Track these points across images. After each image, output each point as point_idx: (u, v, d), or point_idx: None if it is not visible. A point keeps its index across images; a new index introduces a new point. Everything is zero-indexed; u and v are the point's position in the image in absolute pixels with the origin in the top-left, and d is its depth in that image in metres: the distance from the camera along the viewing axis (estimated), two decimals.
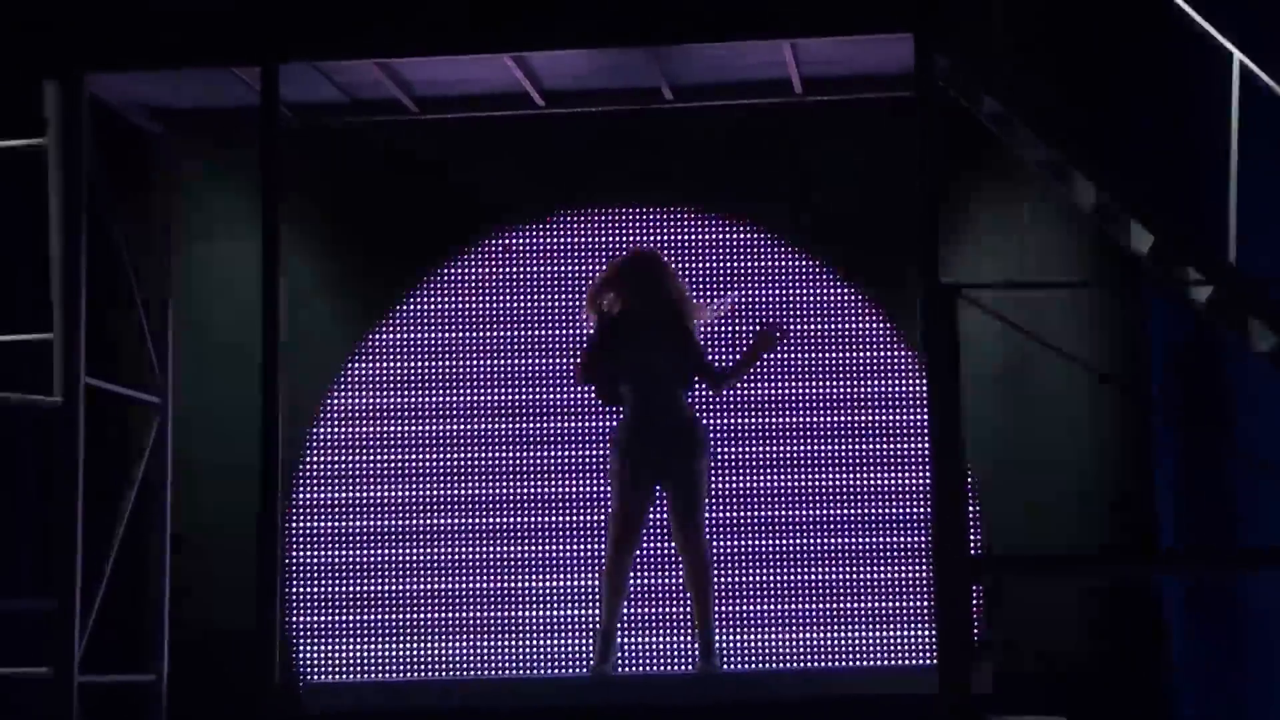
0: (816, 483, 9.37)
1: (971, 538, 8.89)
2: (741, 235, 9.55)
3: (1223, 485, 8.86)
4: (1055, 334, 7.94)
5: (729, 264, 9.55)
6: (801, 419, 9.44)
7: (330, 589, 9.39)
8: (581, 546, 9.36)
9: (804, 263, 9.52)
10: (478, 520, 9.40)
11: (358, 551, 9.40)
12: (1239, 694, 8.70)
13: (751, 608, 9.29)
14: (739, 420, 9.42)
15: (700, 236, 9.59)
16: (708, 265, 9.54)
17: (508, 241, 9.59)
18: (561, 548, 9.38)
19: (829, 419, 9.43)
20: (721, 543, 9.26)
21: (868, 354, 9.48)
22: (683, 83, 8.83)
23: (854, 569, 9.30)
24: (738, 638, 9.21)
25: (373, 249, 9.59)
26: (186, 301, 9.28)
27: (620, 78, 8.77)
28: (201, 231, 9.48)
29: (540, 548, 9.37)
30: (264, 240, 7.95)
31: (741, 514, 9.37)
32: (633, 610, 9.11)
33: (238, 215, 9.32)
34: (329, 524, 9.44)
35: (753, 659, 9.21)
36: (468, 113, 9.10)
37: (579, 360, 8.44)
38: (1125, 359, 9.20)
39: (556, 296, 9.55)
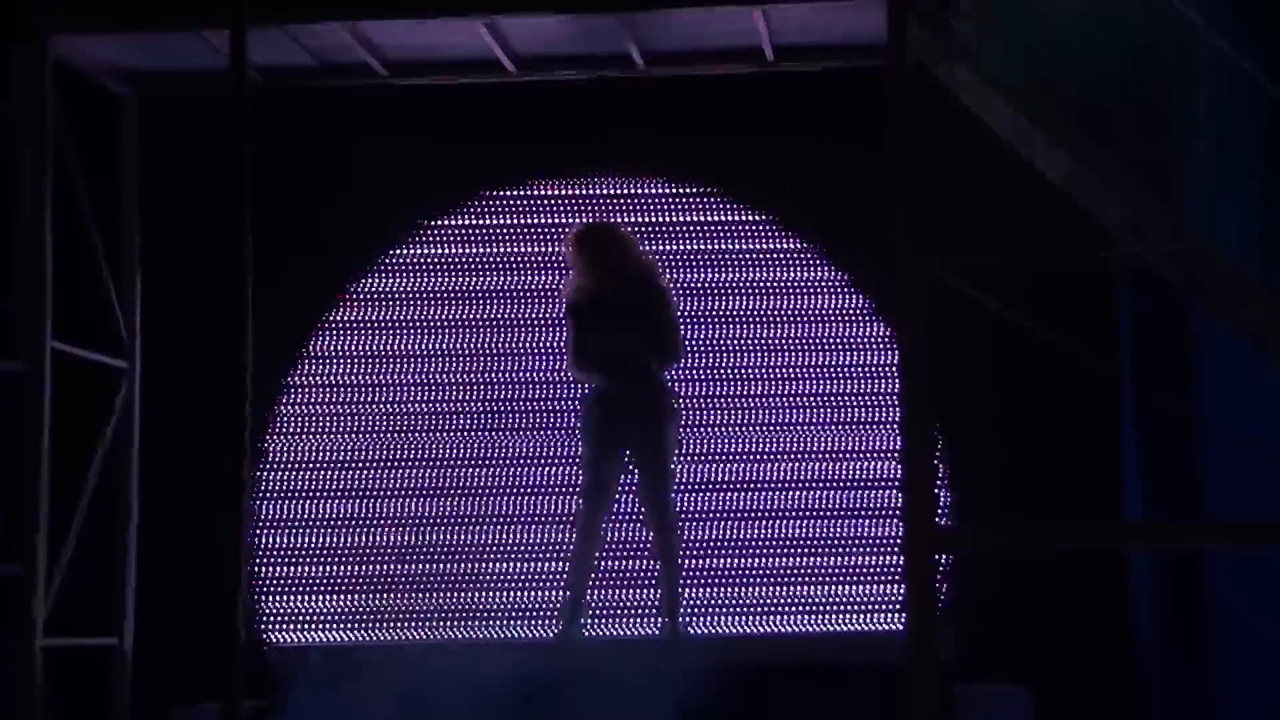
0: (784, 448, 9.54)
1: (941, 505, 8.95)
2: (710, 205, 9.61)
3: (1189, 459, 8.89)
4: (1023, 305, 7.94)
5: (697, 234, 9.62)
6: (775, 390, 9.57)
7: (298, 551, 9.43)
8: (553, 505, 9.45)
9: (775, 232, 9.60)
10: (448, 479, 9.51)
11: (326, 508, 9.49)
12: (1204, 664, 8.74)
13: (719, 566, 9.43)
14: (713, 389, 9.55)
15: (672, 206, 9.66)
16: (676, 235, 9.60)
17: (477, 211, 9.67)
18: (533, 508, 9.49)
19: (804, 389, 9.53)
20: (692, 503, 9.42)
21: (843, 327, 9.60)
22: (654, 49, 8.81)
23: (823, 528, 9.47)
24: (705, 595, 9.35)
25: (341, 216, 9.62)
26: (154, 266, 9.24)
27: (591, 44, 8.73)
28: (170, 195, 9.43)
29: (512, 507, 9.49)
30: (231, 204, 7.88)
31: (712, 477, 9.52)
32: (601, 566, 9.20)
33: (206, 180, 9.27)
34: (298, 484, 9.53)
35: (720, 621, 9.30)
36: (438, 78, 9.06)
37: (568, 359, 8.33)
38: (1094, 331, 9.23)
39: (523, 268, 9.66)
